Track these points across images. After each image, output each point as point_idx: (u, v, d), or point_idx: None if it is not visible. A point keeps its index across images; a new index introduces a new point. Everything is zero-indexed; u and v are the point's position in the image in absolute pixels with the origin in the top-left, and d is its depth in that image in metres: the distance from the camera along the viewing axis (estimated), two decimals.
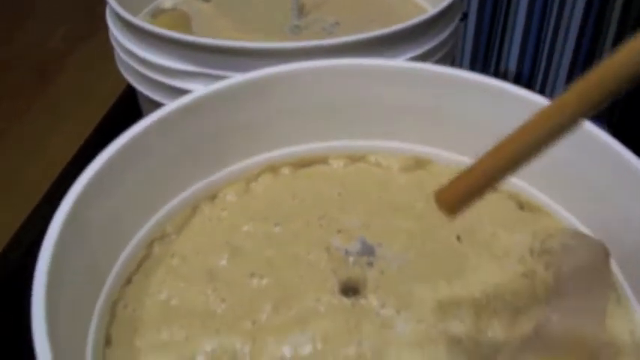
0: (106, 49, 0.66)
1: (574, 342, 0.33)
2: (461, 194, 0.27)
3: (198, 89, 0.39)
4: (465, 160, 0.42)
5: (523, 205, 0.40)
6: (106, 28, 0.55)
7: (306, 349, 0.32)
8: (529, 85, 0.66)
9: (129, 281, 0.36)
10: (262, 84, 0.41)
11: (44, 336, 0.27)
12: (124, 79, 0.62)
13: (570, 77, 0.65)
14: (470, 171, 0.27)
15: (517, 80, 0.66)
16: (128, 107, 0.60)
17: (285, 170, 0.43)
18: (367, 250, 0.37)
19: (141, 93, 0.52)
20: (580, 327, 0.33)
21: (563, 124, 0.25)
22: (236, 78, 0.41)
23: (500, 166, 0.26)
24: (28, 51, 0.74)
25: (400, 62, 0.43)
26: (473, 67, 0.72)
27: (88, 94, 0.66)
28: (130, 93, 0.62)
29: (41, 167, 0.57)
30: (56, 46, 0.74)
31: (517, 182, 0.41)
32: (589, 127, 0.37)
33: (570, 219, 0.39)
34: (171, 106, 0.39)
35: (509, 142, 0.26)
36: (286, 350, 0.32)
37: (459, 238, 0.38)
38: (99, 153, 0.35)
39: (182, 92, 0.40)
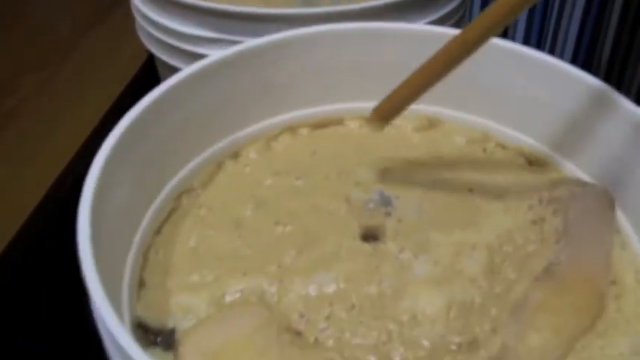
0: (124, 27, 0.68)
1: (582, 280, 0.35)
2: (392, 107, 0.37)
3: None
4: (475, 119, 0.44)
5: (532, 161, 0.42)
6: (120, 6, 0.56)
7: (331, 288, 0.34)
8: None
9: (159, 231, 0.38)
10: (280, 47, 0.43)
11: (94, 271, 0.29)
12: (140, 55, 0.64)
13: (578, 47, 0.66)
14: (398, 89, 0.37)
15: None
16: (146, 81, 0.62)
17: (304, 131, 0.45)
18: (385, 201, 0.39)
19: (160, 61, 0.54)
20: (587, 268, 0.35)
21: (469, 50, 0.35)
22: (254, 41, 0.43)
23: (422, 84, 0.36)
24: (45, 28, 0.75)
25: (411, 25, 0.45)
26: None
27: (107, 69, 0.67)
28: (148, 67, 0.63)
29: (64, 138, 0.58)
30: (73, 24, 0.75)
31: (526, 139, 0.43)
32: (593, 81, 0.39)
33: (577, 172, 0.41)
34: (197, 65, 0.41)
35: (427, 66, 0.36)
36: (312, 289, 0.34)
37: (471, 190, 0.40)
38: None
39: (201, 58, 0.42)
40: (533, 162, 0.42)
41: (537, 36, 0.67)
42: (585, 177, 0.40)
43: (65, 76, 0.67)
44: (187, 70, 0.40)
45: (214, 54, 0.42)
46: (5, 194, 0.53)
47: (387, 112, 0.38)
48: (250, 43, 0.43)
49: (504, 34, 0.70)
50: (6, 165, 0.56)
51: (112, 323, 0.27)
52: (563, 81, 0.40)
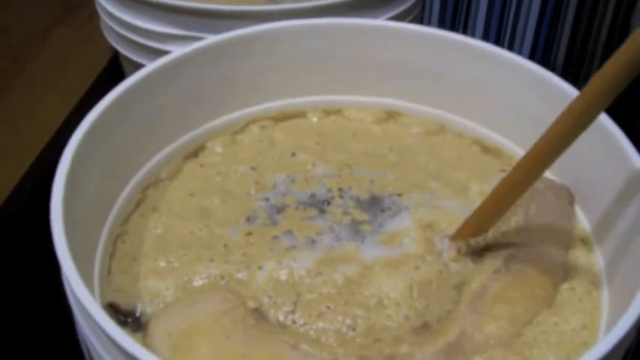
0: (88, 27, 0.68)
1: (539, 273, 0.36)
2: (471, 229, 0.37)
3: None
4: (432, 111, 0.46)
5: (487, 148, 0.44)
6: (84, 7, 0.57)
7: (299, 274, 0.36)
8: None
9: (127, 220, 0.39)
10: (242, 43, 0.44)
11: (69, 259, 0.30)
12: (106, 52, 0.64)
13: (536, 40, 0.68)
14: (474, 213, 0.36)
15: None
16: (112, 77, 0.63)
17: (267, 123, 0.46)
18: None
19: (124, 57, 0.55)
20: (545, 261, 0.37)
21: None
22: (216, 37, 0.44)
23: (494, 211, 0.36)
24: (12, 27, 0.75)
25: (366, 21, 0.46)
26: None
27: (73, 67, 0.68)
28: (113, 65, 0.64)
29: (29, 137, 0.59)
30: (38, 25, 0.75)
31: (479, 129, 0.45)
32: (553, 78, 0.40)
33: None
34: (160, 61, 0.42)
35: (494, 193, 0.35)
36: (282, 274, 0.36)
37: (431, 178, 0.42)
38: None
39: (164, 54, 0.43)
40: (489, 150, 0.44)
41: (496, 30, 0.69)
42: (546, 174, 0.42)
43: (30, 75, 0.67)
44: (151, 66, 0.41)
45: (177, 50, 0.43)
46: None
47: (468, 234, 0.37)
48: (212, 39, 0.44)
49: (464, 30, 0.72)
50: None
51: (86, 300, 0.28)
52: (522, 76, 0.42)
